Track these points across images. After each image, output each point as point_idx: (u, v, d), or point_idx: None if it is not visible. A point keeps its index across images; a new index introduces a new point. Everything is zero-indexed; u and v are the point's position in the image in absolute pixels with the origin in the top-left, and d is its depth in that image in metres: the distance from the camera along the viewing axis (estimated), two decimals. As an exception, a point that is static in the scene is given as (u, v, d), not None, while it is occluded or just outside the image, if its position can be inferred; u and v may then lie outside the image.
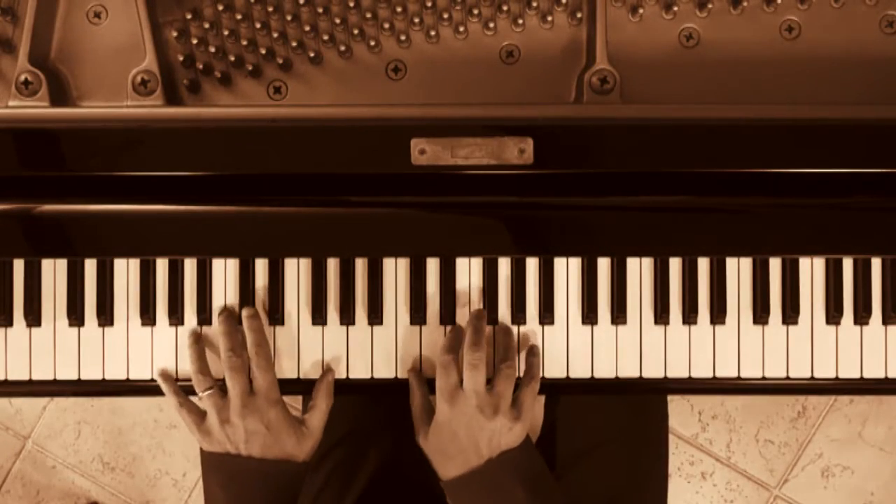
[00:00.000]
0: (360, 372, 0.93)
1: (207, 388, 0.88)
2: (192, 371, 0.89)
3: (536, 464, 0.89)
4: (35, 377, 0.93)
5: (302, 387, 0.92)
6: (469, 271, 0.93)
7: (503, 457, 0.86)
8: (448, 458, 0.87)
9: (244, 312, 0.91)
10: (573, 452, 1.08)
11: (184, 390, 0.93)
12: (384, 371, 0.93)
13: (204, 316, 0.92)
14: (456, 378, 0.87)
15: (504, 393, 0.87)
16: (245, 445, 0.87)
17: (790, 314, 0.92)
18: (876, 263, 0.92)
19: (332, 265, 0.93)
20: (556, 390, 0.96)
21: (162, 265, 0.93)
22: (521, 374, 0.91)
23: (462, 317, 0.92)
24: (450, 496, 0.88)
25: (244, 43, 0.85)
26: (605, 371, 0.93)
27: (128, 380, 0.93)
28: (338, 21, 0.84)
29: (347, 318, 0.92)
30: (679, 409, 1.74)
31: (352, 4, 0.84)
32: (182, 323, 0.93)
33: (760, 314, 0.92)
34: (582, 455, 1.06)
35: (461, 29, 0.85)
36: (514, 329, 0.92)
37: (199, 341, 0.91)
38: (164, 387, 0.91)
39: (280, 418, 0.87)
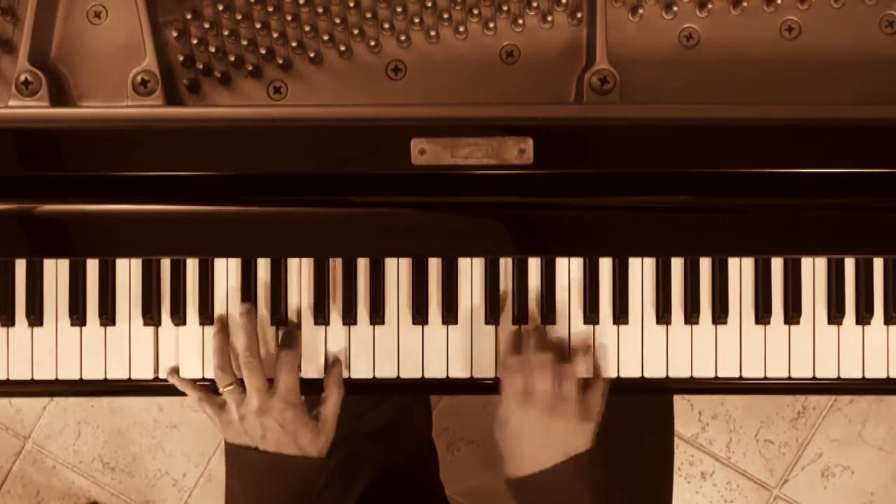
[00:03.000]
0: (361, 372, 0.93)
1: (229, 384, 0.89)
2: (214, 365, 0.90)
3: (603, 470, 0.89)
4: (37, 377, 0.93)
5: (305, 386, 0.92)
6: (471, 271, 0.93)
7: (573, 461, 0.86)
8: (517, 458, 0.87)
9: (286, 328, 0.92)
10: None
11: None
12: (386, 371, 0.93)
13: (206, 315, 0.92)
14: (523, 379, 0.87)
15: (571, 394, 0.87)
16: (262, 441, 0.88)
17: (792, 314, 0.92)
18: (878, 263, 0.92)
19: (334, 265, 0.93)
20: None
21: (164, 265, 0.93)
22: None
23: (463, 316, 0.93)
24: (515, 495, 0.88)
25: (244, 43, 0.84)
26: (606, 371, 0.93)
27: (129, 379, 0.93)
28: (338, 21, 0.84)
29: (349, 317, 0.92)
30: (679, 409, 1.74)
31: (352, 4, 0.84)
32: (184, 323, 0.93)
33: (762, 314, 0.92)
34: None
35: (461, 29, 0.85)
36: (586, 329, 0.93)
37: (224, 330, 0.91)
38: (181, 387, 0.92)
39: (296, 418, 0.88)
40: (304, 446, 0.89)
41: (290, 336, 0.92)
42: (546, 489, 0.86)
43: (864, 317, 0.92)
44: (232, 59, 0.85)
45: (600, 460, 0.88)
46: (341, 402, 0.92)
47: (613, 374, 0.93)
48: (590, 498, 0.85)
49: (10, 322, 0.93)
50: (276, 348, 0.92)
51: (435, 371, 0.93)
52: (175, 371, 0.93)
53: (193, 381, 0.93)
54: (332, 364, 0.93)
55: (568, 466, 0.85)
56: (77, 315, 0.92)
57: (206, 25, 0.85)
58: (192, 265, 0.93)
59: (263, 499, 0.89)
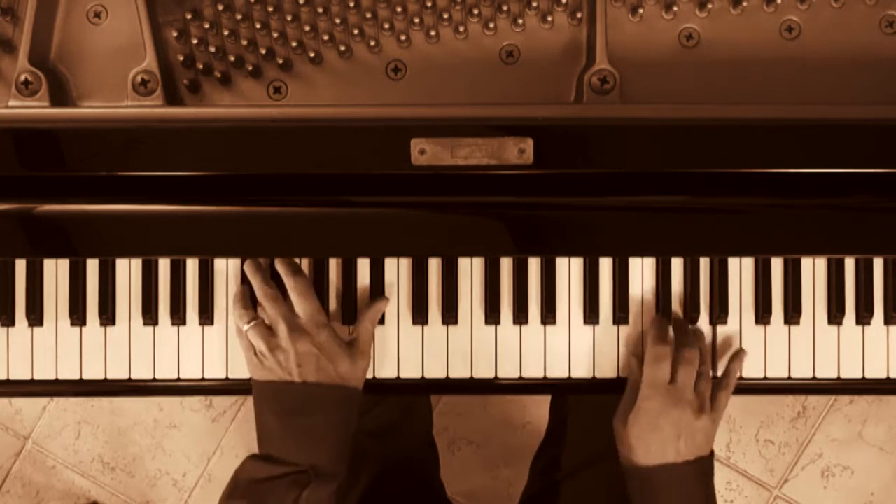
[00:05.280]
0: (360, 372, 0.93)
1: (252, 319, 0.88)
2: (235, 306, 0.90)
3: (713, 478, 0.90)
4: (37, 377, 0.93)
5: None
6: (471, 271, 0.93)
7: (699, 463, 0.86)
8: (645, 446, 0.86)
9: (280, 259, 0.90)
10: (578, 459, 1.08)
11: (186, 390, 0.93)
12: (386, 371, 0.93)
13: (206, 316, 0.92)
14: (668, 371, 0.87)
15: (706, 393, 0.88)
16: (299, 370, 0.85)
17: (792, 314, 0.92)
18: (878, 263, 0.92)
19: (334, 265, 0.93)
20: (558, 389, 0.97)
21: (164, 265, 0.93)
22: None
23: (463, 316, 0.92)
24: (634, 484, 0.88)
25: (244, 43, 0.84)
26: (606, 371, 0.93)
27: (129, 379, 0.93)
28: (338, 21, 0.84)
29: (350, 317, 0.92)
30: (679, 409, 1.74)
31: (352, 4, 0.84)
32: (184, 323, 0.93)
33: (762, 314, 0.92)
34: (586, 464, 1.06)
35: (461, 29, 0.85)
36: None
37: (259, 269, 0.90)
38: (252, 276, 0.90)
39: (331, 339, 0.87)
40: (343, 373, 0.86)
41: (292, 264, 0.90)
42: (668, 484, 0.86)
43: (864, 317, 0.92)
44: (232, 59, 0.85)
45: (713, 469, 0.89)
46: (373, 335, 0.91)
47: (613, 375, 0.93)
48: (704, 502, 0.86)
49: (10, 322, 0.93)
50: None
51: (435, 371, 0.93)
52: (255, 268, 0.90)
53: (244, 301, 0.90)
54: (374, 301, 0.91)
55: (694, 467, 0.86)
56: (77, 315, 0.92)
57: (206, 25, 0.85)
58: (192, 265, 0.93)
59: (307, 431, 0.85)
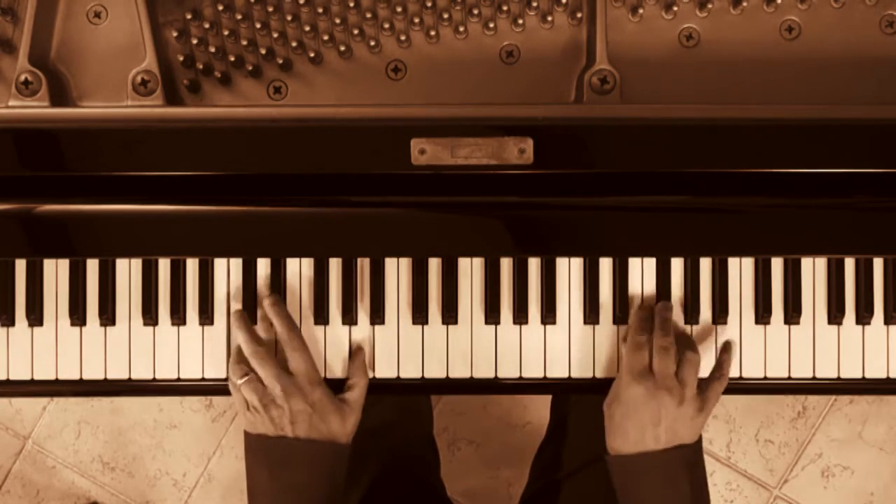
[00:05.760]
0: (360, 372, 0.93)
1: (245, 374, 0.88)
2: (231, 360, 0.90)
3: (703, 467, 0.89)
4: (37, 377, 0.93)
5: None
6: (471, 271, 0.93)
7: (679, 450, 0.86)
8: (623, 433, 0.86)
9: (266, 301, 0.91)
10: (579, 458, 1.08)
11: (186, 390, 0.93)
12: (386, 371, 0.93)
13: (206, 316, 0.92)
14: (647, 359, 0.87)
15: (689, 381, 0.87)
16: (292, 427, 0.86)
17: (792, 314, 0.92)
18: (878, 263, 0.92)
19: (334, 265, 0.93)
20: (558, 389, 0.97)
21: (164, 265, 0.93)
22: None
23: (463, 316, 0.92)
24: (615, 472, 0.88)
25: (244, 43, 0.84)
26: (606, 371, 0.93)
27: (129, 379, 0.93)
28: (338, 21, 0.84)
29: (349, 318, 0.92)
30: (679, 409, 1.74)
31: (352, 4, 0.84)
32: (184, 323, 0.93)
33: (762, 314, 0.92)
34: (587, 464, 1.06)
35: (461, 29, 0.85)
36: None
37: (245, 323, 0.91)
38: (239, 332, 0.90)
39: (324, 398, 0.88)
40: (334, 430, 0.88)
41: (288, 319, 0.90)
42: (647, 472, 0.86)
43: (864, 317, 0.92)
44: (232, 59, 0.85)
45: (701, 456, 0.88)
46: (366, 388, 0.91)
47: (613, 374, 0.93)
48: (689, 492, 0.86)
49: (10, 322, 0.93)
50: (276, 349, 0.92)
51: (435, 371, 0.93)
52: (238, 314, 0.91)
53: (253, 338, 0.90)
54: (356, 351, 0.92)
55: (674, 455, 0.85)
56: (77, 315, 0.92)
57: (206, 25, 0.85)
58: (192, 265, 0.93)
59: (297, 486, 0.86)
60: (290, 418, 0.86)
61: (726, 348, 0.92)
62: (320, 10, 0.85)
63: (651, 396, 0.85)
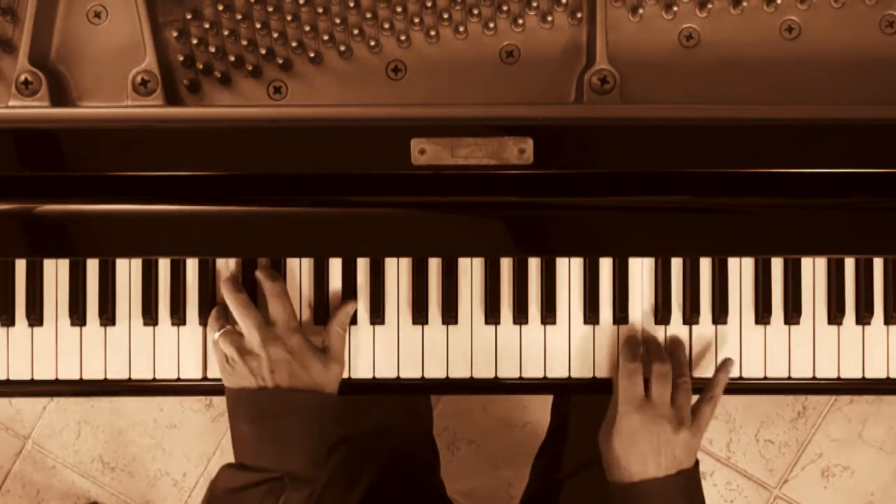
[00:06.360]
0: (362, 372, 0.93)
1: (221, 328, 0.88)
2: (210, 318, 0.90)
3: (701, 486, 0.89)
4: (37, 377, 0.93)
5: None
6: (471, 271, 0.93)
7: (682, 476, 0.86)
8: (627, 464, 0.86)
9: (261, 263, 0.91)
10: (579, 458, 1.08)
11: (186, 390, 0.93)
12: (386, 371, 0.93)
13: (206, 316, 0.92)
14: (641, 386, 0.87)
15: (685, 406, 0.87)
16: (271, 375, 0.85)
17: (792, 314, 0.92)
18: (878, 263, 0.92)
19: (334, 265, 0.93)
20: (558, 389, 0.97)
21: (164, 265, 0.93)
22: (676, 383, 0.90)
23: (463, 316, 0.92)
24: (616, 499, 0.88)
25: (244, 43, 0.84)
26: (606, 371, 0.93)
27: (129, 379, 0.93)
28: (338, 21, 0.84)
29: (351, 319, 0.92)
30: (679, 409, 1.74)
31: (352, 4, 0.84)
32: (184, 323, 0.93)
33: (762, 314, 0.92)
34: (587, 464, 1.06)
35: (461, 29, 0.85)
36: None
37: (232, 279, 0.91)
38: (225, 291, 0.90)
39: (303, 344, 0.86)
40: (317, 377, 0.86)
41: (269, 269, 0.90)
42: (650, 498, 0.86)
43: (864, 317, 0.92)
44: (232, 59, 0.85)
45: (699, 480, 0.89)
46: (345, 339, 0.90)
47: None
48: None
49: (10, 322, 0.93)
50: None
51: (435, 371, 0.93)
52: (228, 280, 0.91)
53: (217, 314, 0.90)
54: (342, 304, 0.91)
55: (677, 480, 0.85)
56: (77, 315, 0.92)
57: (206, 25, 0.85)
58: (192, 265, 0.93)
59: (282, 438, 0.84)
60: (269, 367, 0.85)
61: (724, 367, 0.91)
62: (320, 10, 0.85)
63: (650, 425, 0.85)
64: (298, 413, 0.85)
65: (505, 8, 0.85)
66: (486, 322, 0.93)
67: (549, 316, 0.92)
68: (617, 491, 0.87)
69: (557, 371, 0.93)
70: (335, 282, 0.93)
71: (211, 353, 0.93)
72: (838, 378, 0.93)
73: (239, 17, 0.84)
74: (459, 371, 0.93)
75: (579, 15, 0.85)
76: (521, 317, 0.92)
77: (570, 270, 0.93)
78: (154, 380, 0.93)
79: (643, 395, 0.87)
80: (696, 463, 0.88)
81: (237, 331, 0.88)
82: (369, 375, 0.93)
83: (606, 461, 0.89)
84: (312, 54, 0.85)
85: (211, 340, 0.90)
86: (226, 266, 0.93)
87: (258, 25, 0.85)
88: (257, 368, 0.85)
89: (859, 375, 0.92)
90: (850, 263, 0.92)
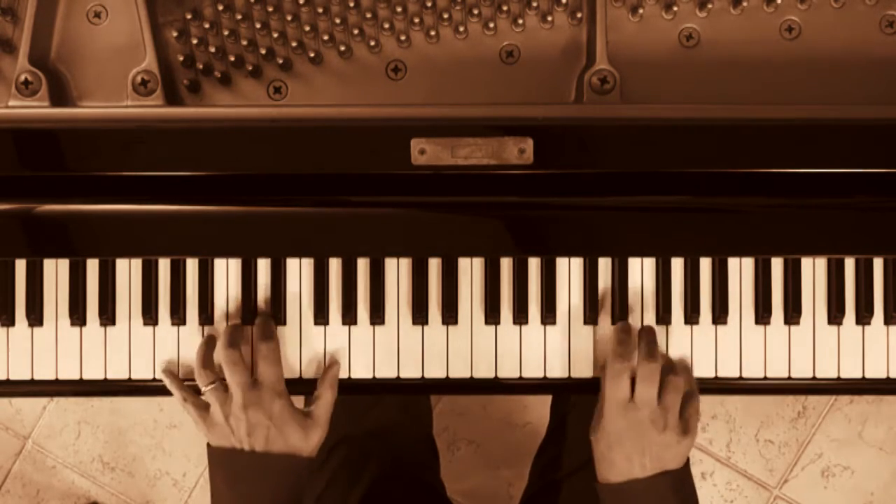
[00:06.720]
0: (361, 372, 0.93)
1: (210, 383, 0.87)
2: (196, 367, 0.89)
3: (692, 486, 0.89)
4: (37, 377, 0.93)
5: (304, 386, 0.92)
6: (471, 271, 0.93)
7: (668, 476, 0.85)
8: (611, 464, 0.86)
9: (258, 318, 0.91)
10: (579, 458, 1.08)
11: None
12: (386, 371, 0.93)
13: (206, 315, 0.92)
14: (628, 387, 0.87)
15: (672, 407, 0.86)
16: (248, 439, 0.85)
17: (792, 314, 0.92)
18: (878, 263, 0.92)
19: (334, 265, 0.93)
20: (558, 389, 0.97)
21: (164, 265, 0.93)
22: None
23: (463, 316, 0.92)
24: (604, 499, 0.88)
25: (244, 43, 0.84)
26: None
27: (129, 379, 0.93)
28: (338, 21, 0.84)
29: (349, 317, 0.92)
30: (679, 409, 1.74)
31: (352, 4, 0.84)
32: (184, 323, 0.93)
33: (762, 314, 0.92)
34: (587, 464, 1.06)
35: (461, 29, 0.85)
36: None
37: (210, 342, 0.91)
38: (167, 382, 0.91)
39: (284, 410, 0.86)
40: (294, 443, 0.86)
41: (266, 327, 0.90)
42: (636, 498, 0.86)
43: (864, 317, 0.92)
44: (232, 59, 0.85)
45: (690, 480, 0.88)
46: (333, 404, 0.91)
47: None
48: None
49: (10, 322, 0.93)
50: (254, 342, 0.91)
51: (435, 371, 0.93)
52: (165, 369, 0.92)
53: (181, 381, 0.91)
54: (329, 365, 0.92)
55: (662, 481, 0.85)
56: (77, 315, 0.92)
57: (206, 25, 0.85)
58: (192, 265, 0.93)
59: (256, 499, 0.85)
60: (247, 430, 0.85)
61: (679, 367, 0.91)
62: (320, 10, 0.85)
63: (635, 426, 0.85)
64: (270, 477, 0.86)
65: (505, 8, 0.85)
66: (486, 322, 0.93)
67: (549, 316, 0.92)
68: (603, 491, 0.88)
69: (557, 371, 0.93)
70: (335, 282, 0.93)
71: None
72: (838, 378, 0.93)
73: (239, 17, 0.84)
74: (459, 371, 0.93)
75: (579, 15, 0.85)
76: (521, 317, 0.92)
77: (570, 270, 0.93)
78: (154, 380, 0.93)
79: (629, 395, 0.86)
80: (686, 463, 0.88)
81: (225, 386, 0.87)
82: (369, 375, 0.93)
83: (595, 460, 0.89)
84: (312, 54, 0.85)
85: (190, 389, 0.90)
86: (225, 267, 0.93)
87: (258, 25, 0.85)
88: (237, 429, 0.86)
89: (859, 375, 0.92)
90: (850, 263, 0.92)
